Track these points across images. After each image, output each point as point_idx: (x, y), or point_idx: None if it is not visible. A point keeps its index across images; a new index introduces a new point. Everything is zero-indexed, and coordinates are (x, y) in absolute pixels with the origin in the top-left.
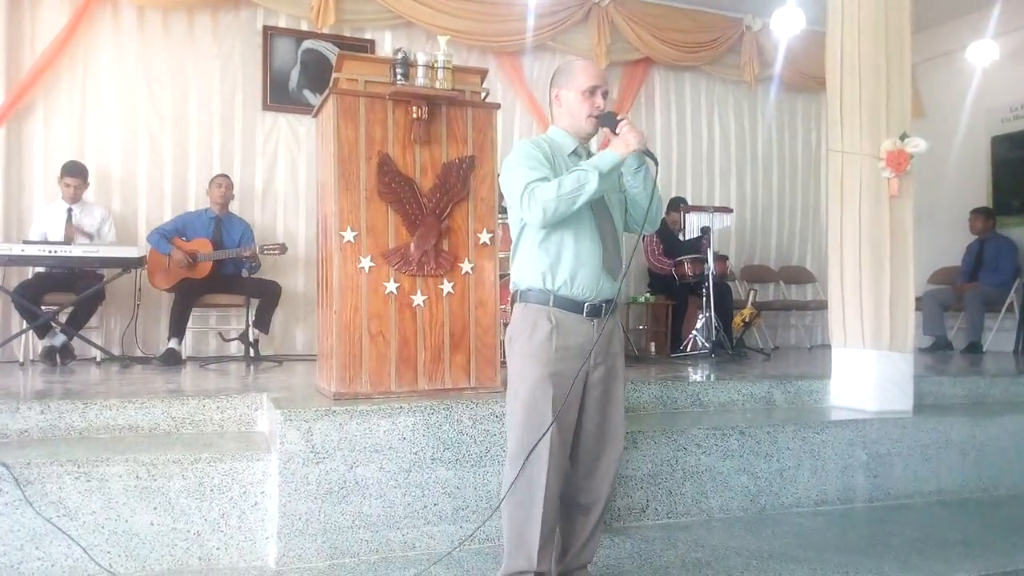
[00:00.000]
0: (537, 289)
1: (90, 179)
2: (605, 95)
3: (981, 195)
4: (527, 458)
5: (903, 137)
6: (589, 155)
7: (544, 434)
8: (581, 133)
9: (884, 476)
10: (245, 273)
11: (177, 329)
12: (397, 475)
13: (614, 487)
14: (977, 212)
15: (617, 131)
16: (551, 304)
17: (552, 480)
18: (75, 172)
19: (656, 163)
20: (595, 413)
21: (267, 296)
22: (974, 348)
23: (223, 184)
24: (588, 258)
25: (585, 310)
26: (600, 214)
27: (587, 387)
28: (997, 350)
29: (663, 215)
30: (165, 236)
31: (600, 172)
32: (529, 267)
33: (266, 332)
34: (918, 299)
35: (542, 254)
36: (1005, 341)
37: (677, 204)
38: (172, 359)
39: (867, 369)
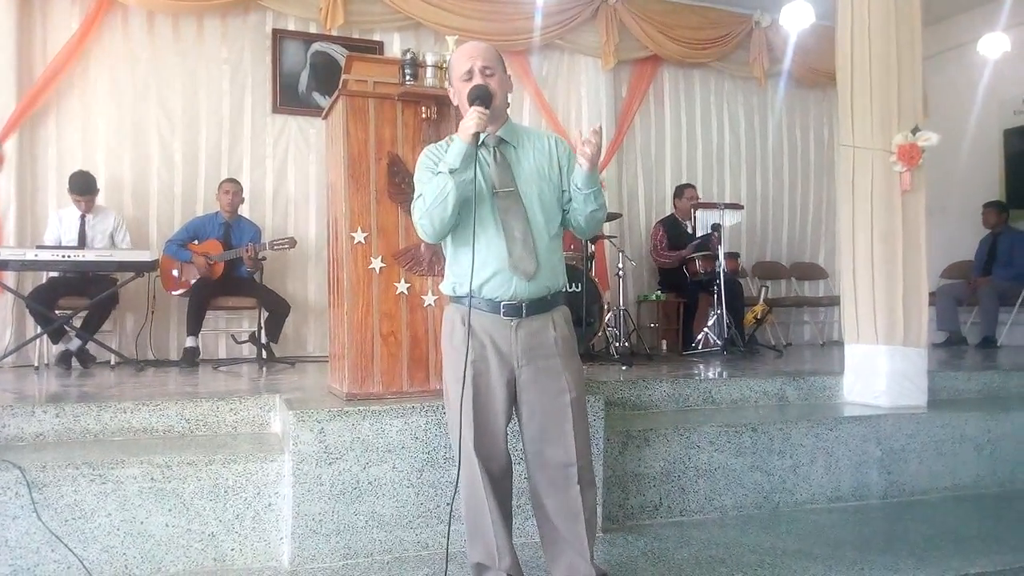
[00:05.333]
0: (454, 294)
1: (100, 184)
2: (489, 72)
3: (994, 189)
4: (459, 458)
5: (915, 131)
6: (501, 143)
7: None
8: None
9: (898, 472)
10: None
11: (194, 327)
12: (410, 475)
13: (581, 489)
14: (990, 206)
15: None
16: (467, 305)
17: (486, 478)
18: (81, 189)
19: (482, 147)
20: (532, 416)
21: (276, 313)
22: (988, 343)
23: (230, 191)
24: (494, 260)
25: (502, 310)
26: (509, 213)
27: (518, 389)
28: (1012, 344)
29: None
30: (181, 244)
31: (451, 168)
32: (448, 273)
33: (275, 342)
34: (931, 294)
35: (455, 260)
36: (1020, 335)
37: (682, 191)
38: (192, 357)
39: (880, 365)
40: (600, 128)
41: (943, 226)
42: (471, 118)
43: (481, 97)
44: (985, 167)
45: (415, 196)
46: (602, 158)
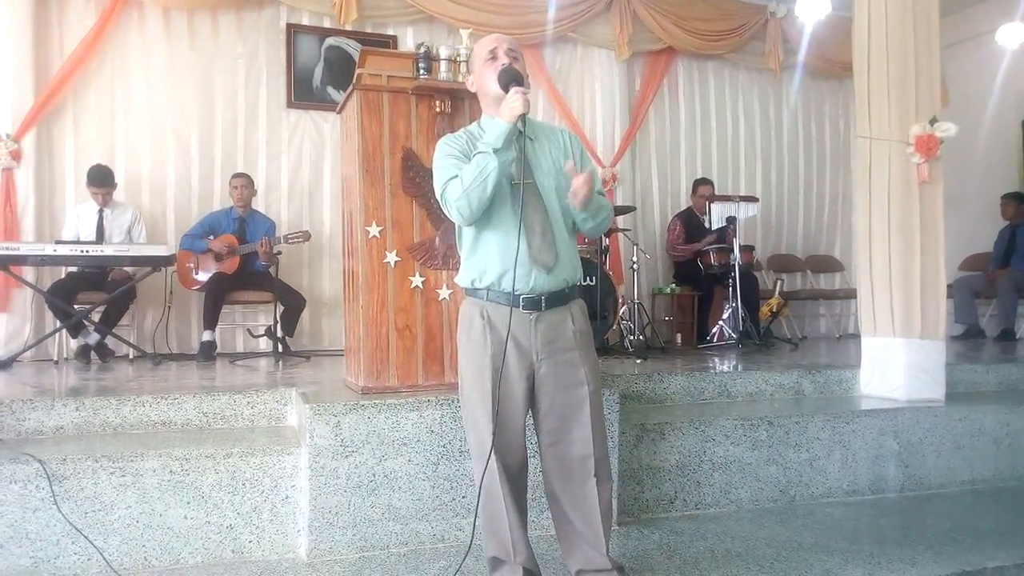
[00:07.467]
0: (472, 287)
1: (118, 179)
2: (513, 56)
3: (1012, 180)
4: (475, 453)
5: (932, 121)
6: (521, 134)
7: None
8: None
9: (916, 465)
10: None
11: (210, 321)
12: (425, 468)
13: (597, 482)
14: (1009, 197)
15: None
16: (486, 299)
17: (502, 473)
18: (99, 181)
19: (522, 134)
20: (550, 409)
21: (291, 307)
22: (1007, 335)
23: (239, 185)
24: (514, 253)
25: (522, 304)
26: (528, 205)
27: (536, 382)
28: None
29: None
30: (197, 238)
31: (494, 148)
32: (465, 266)
33: (291, 335)
34: (949, 286)
35: (472, 253)
36: None
37: (697, 187)
38: (209, 350)
39: (898, 358)
40: (590, 173)
41: (961, 218)
42: (515, 99)
43: (516, 79)
44: (1003, 158)
45: (446, 179)
46: (616, 150)
